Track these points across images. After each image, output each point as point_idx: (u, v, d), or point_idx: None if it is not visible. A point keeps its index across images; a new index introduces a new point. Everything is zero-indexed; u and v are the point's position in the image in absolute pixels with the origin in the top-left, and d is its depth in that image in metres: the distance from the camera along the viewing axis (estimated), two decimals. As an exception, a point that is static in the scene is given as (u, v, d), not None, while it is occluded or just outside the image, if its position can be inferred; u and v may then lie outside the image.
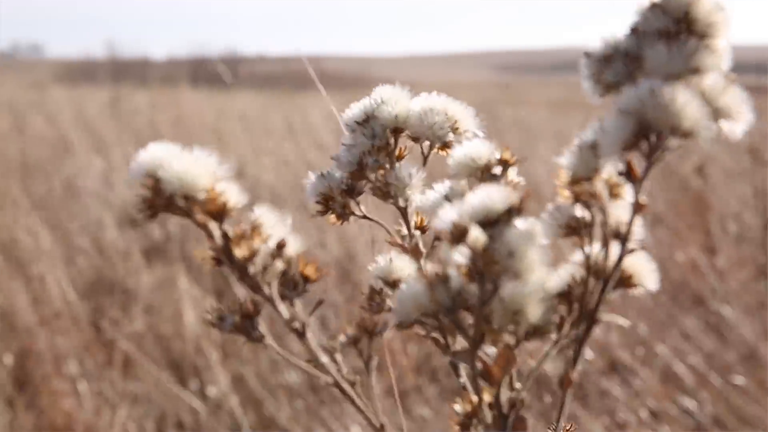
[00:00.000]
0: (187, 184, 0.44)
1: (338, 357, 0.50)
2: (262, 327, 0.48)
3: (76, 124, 5.75)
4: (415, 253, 0.52)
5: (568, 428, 0.50)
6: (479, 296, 0.42)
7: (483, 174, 0.50)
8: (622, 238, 0.43)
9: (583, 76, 0.44)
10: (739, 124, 0.40)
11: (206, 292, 2.91)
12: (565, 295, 0.44)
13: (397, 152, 0.52)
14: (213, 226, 0.46)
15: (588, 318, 0.44)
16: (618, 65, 0.42)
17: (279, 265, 0.47)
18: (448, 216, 0.41)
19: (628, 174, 0.42)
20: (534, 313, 0.41)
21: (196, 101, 6.76)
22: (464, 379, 0.50)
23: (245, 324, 0.48)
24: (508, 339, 0.43)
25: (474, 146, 0.50)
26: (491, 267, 0.41)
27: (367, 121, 0.51)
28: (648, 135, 0.40)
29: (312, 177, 0.52)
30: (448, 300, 0.43)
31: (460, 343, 0.45)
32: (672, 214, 3.15)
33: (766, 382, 2.04)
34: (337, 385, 0.48)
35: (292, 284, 0.49)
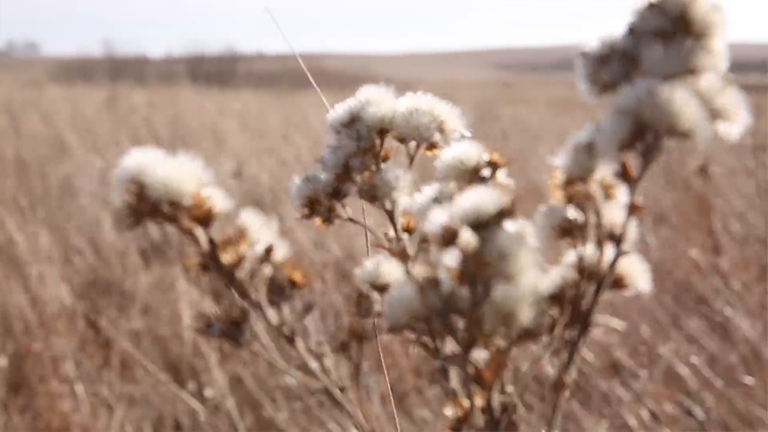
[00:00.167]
0: (171, 190, 0.44)
1: (327, 362, 0.50)
2: (256, 331, 0.47)
3: (72, 124, 5.75)
4: (402, 256, 0.51)
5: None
6: (470, 299, 0.41)
7: (472, 176, 0.50)
8: (617, 239, 0.43)
9: (579, 75, 0.43)
10: (736, 125, 0.40)
11: (204, 293, 2.91)
12: (557, 298, 0.44)
13: (383, 154, 0.51)
14: (199, 232, 0.45)
15: (581, 320, 0.44)
16: (615, 65, 0.42)
17: (267, 270, 0.47)
18: (438, 219, 0.41)
19: (624, 174, 0.42)
20: (525, 316, 0.41)
21: (194, 100, 6.76)
22: (454, 383, 0.50)
23: (232, 330, 0.48)
24: (500, 342, 0.43)
25: (463, 148, 0.50)
26: (482, 270, 0.40)
27: (352, 122, 0.50)
28: (645, 135, 0.40)
29: (297, 180, 0.51)
30: (439, 303, 0.42)
31: (450, 346, 0.45)
32: (675, 214, 3.15)
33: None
34: (326, 391, 0.48)
35: (280, 290, 0.48)
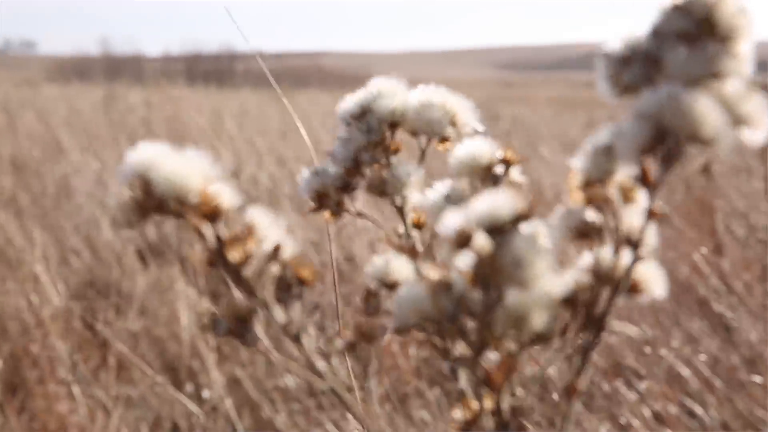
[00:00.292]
0: (178, 186, 0.43)
1: (334, 362, 0.49)
2: (258, 330, 0.47)
3: (69, 123, 5.73)
4: (412, 253, 0.51)
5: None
6: (483, 303, 0.41)
7: (485, 173, 0.49)
8: (634, 244, 0.42)
9: (600, 76, 0.43)
10: (760, 132, 0.39)
11: (202, 294, 2.89)
12: (570, 301, 0.43)
13: (393, 147, 0.50)
14: (206, 228, 0.44)
15: (595, 325, 0.43)
16: (637, 67, 0.41)
17: (274, 268, 0.46)
18: (452, 222, 0.40)
19: (643, 179, 0.41)
20: (538, 320, 0.41)
21: (192, 99, 6.75)
22: (464, 384, 0.49)
23: (239, 328, 0.47)
24: (511, 346, 0.42)
25: (475, 144, 0.49)
26: (497, 275, 0.40)
27: (363, 115, 0.49)
28: (665, 140, 0.39)
29: (306, 173, 0.50)
30: (450, 306, 0.42)
31: (460, 348, 0.44)
32: (677, 214, 3.15)
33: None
34: (333, 391, 0.47)
35: (288, 287, 0.48)
